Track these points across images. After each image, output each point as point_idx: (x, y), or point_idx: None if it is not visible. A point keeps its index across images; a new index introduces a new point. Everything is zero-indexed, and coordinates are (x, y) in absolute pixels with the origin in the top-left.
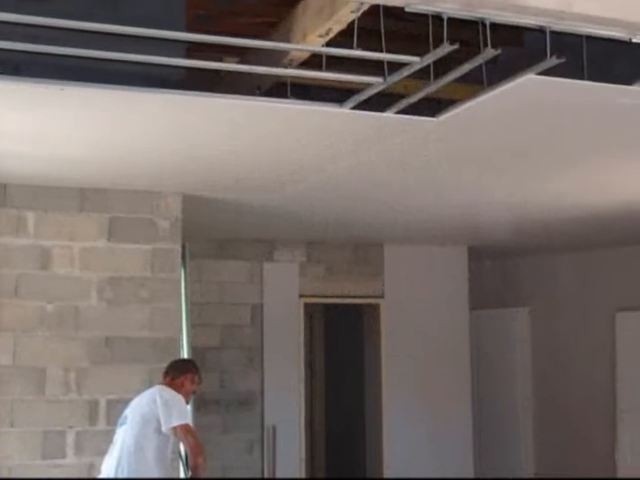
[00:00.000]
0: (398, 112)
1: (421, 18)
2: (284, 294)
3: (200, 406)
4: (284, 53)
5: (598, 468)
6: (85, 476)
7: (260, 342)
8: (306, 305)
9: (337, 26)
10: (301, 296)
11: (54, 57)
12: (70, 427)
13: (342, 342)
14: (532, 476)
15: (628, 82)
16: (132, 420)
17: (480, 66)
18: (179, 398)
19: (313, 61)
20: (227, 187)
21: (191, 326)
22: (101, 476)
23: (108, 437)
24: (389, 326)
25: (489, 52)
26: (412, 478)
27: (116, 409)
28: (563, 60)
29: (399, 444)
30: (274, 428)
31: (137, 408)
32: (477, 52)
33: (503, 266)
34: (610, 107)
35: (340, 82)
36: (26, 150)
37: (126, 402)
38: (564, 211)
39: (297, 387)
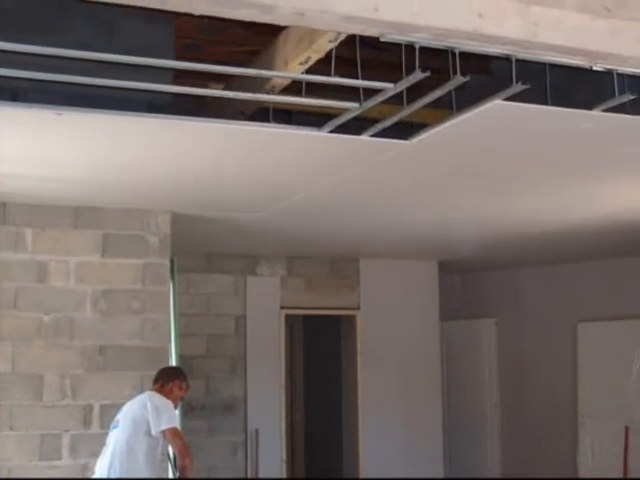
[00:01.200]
0: (373, 135)
1: (395, 47)
2: (266, 306)
3: (187, 411)
4: (266, 80)
5: (561, 469)
6: (79, 476)
7: (243, 351)
8: (287, 316)
9: (316, 55)
10: (282, 308)
11: (52, 84)
12: (66, 430)
13: (320, 351)
14: (499, 476)
15: (589, 107)
16: (124, 424)
17: (450, 92)
18: (168, 403)
19: (294, 87)
20: (213, 205)
21: (179, 335)
22: (95, 476)
23: (101, 440)
24: (364, 336)
25: (458, 79)
26: (386, 478)
27: (109, 413)
28: (528, 86)
29: (374, 446)
30: (257, 431)
31: (129, 413)
32: (447, 79)
33: (471, 279)
34: (572, 131)
35: (319, 107)
36: (25, 171)
37: (118, 407)
38: (529, 228)
39: (278, 393)
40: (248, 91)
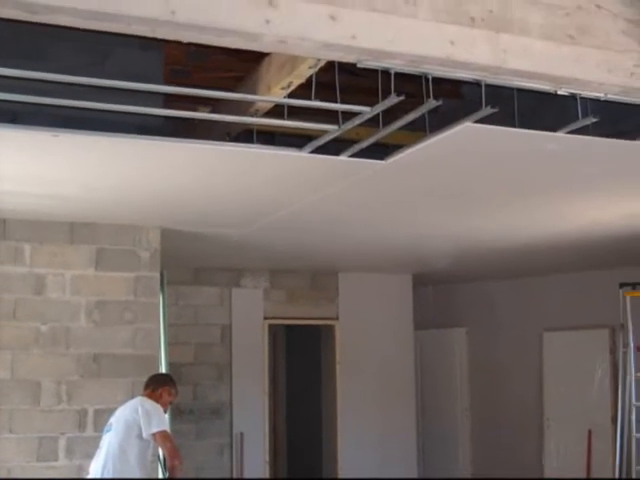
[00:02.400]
0: (351, 156)
1: (371, 73)
2: (250, 316)
3: (176, 415)
4: (251, 103)
5: (527, 469)
6: (75, 476)
7: (229, 359)
8: (270, 326)
9: (297, 80)
10: (265, 318)
11: (48, 107)
12: (62, 433)
13: (301, 359)
14: (469, 476)
15: (554, 130)
16: (117, 427)
17: (423, 115)
18: (158, 408)
19: (276, 111)
20: (200, 222)
21: (168, 344)
22: (89, 477)
23: (95, 442)
24: (343, 345)
25: (431, 103)
26: (363, 479)
27: (102, 417)
28: (497, 110)
29: (352, 448)
30: (241, 434)
31: (121, 417)
32: (421, 103)
33: (443, 291)
34: (538, 152)
35: (300, 129)
36: (24, 189)
37: (111, 411)
38: (498, 243)
39: (262, 399)
40: (233, 114)
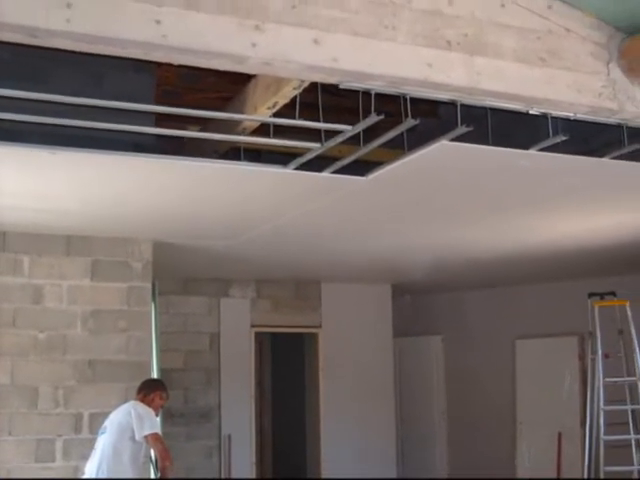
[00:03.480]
0: (333, 172)
1: (352, 93)
2: (238, 324)
3: (167, 418)
4: (238, 122)
5: (501, 470)
6: (72, 477)
7: (217, 365)
8: (256, 334)
9: (282, 100)
10: (252, 326)
11: (47, 126)
12: (59, 436)
13: (286, 365)
14: (446, 477)
15: (526, 147)
16: (111, 430)
17: (402, 133)
18: (150, 411)
19: (262, 129)
20: (190, 235)
21: (160, 351)
22: (85, 476)
23: (91, 444)
24: (325, 351)
25: (409, 122)
26: (345, 479)
27: (97, 421)
28: (471, 129)
29: (334, 450)
30: (229, 437)
31: (115, 420)
32: (399, 122)
33: (421, 300)
34: (511, 168)
35: (285, 147)
36: (23, 204)
37: (106, 415)
38: (473, 255)
39: (249, 402)
40: (222, 132)
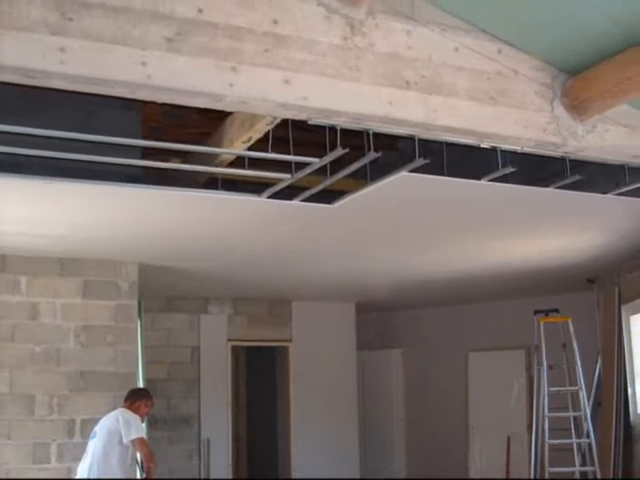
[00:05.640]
0: (303, 200)
1: (320, 129)
2: (216, 339)
3: (152, 424)
4: (216, 155)
5: (454, 471)
6: (65, 477)
7: (198, 375)
8: (233, 347)
9: (256, 135)
10: (229, 340)
11: (43, 159)
12: (53, 440)
13: (260, 376)
14: (403, 477)
15: (478, 178)
16: (100, 434)
17: (365, 165)
18: (136, 418)
19: (238, 161)
20: (173, 257)
21: (145, 363)
22: (77, 477)
23: (82, 447)
24: (296, 363)
25: (372, 155)
26: (313, 479)
27: (88, 426)
28: (428, 161)
29: (304, 452)
30: (208, 441)
31: (104, 425)
32: (363, 155)
33: (382, 317)
34: (464, 198)
35: (258, 177)
36: (21, 230)
37: (96, 421)
38: (430, 276)
39: (226, 410)
40: (202, 164)
